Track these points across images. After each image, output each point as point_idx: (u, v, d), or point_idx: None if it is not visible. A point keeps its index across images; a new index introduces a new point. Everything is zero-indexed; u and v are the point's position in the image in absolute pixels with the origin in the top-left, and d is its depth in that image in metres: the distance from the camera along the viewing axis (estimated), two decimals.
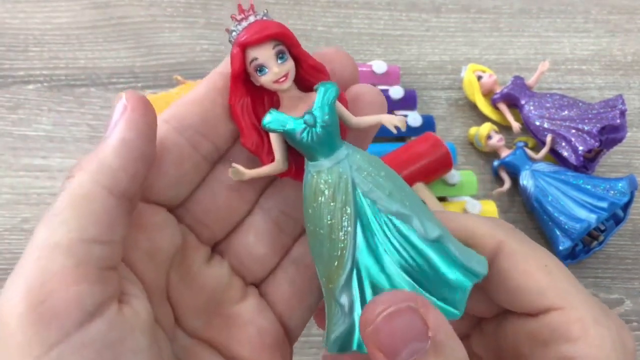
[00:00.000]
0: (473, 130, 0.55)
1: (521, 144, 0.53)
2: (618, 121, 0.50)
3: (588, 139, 0.50)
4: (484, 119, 0.57)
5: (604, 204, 0.47)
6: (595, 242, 0.50)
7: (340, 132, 0.24)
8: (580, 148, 0.50)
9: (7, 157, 0.52)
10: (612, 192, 0.48)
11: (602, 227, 0.50)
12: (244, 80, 0.25)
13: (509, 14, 0.65)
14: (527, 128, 0.55)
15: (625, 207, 0.49)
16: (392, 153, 0.48)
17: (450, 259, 0.23)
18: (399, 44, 0.62)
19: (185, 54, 0.59)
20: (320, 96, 0.24)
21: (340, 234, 0.23)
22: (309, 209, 0.23)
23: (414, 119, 0.53)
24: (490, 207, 0.49)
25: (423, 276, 0.23)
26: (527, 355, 0.24)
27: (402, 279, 0.23)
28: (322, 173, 0.23)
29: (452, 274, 0.22)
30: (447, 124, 0.57)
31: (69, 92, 0.56)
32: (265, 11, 0.25)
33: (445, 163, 0.48)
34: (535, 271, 0.24)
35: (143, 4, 0.62)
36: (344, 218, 0.23)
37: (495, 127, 0.55)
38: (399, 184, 0.24)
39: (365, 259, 0.23)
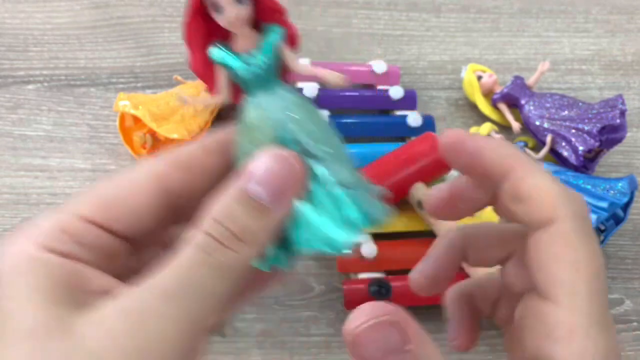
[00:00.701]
0: (473, 130, 0.56)
1: (521, 144, 0.53)
2: (618, 121, 0.50)
3: (588, 139, 0.50)
4: (484, 119, 0.57)
5: (604, 204, 0.47)
6: None
7: (284, 73, 0.26)
8: (581, 148, 0.50)
9: (7, 157, 0.52)
10: (612, 192, 0.48)
11: (602, 227, 0.50)
12: (202, 12, 0.25)
13: (509, 14, 0.65)
14: (527, 128, 0.55)
15: (625, 207, 0.49)
16: (392, 153, 0.48)
17: (355, 203, 0.24)
18: (399, 44, 0.62)
19: (184, 54, 0.59)
20: (265, 39, 0.25)
21: None
22: (242, 139, 0.25)
23: (414, 119, 0.53)
24: (489, 207, 0.49)
25: (327, 212, 0.24)
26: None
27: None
28: (256, 109, 0.25)
29: (353, 214, 0.24)
30: (447, 124, 0.58)
31: (68, 92, 0.56)
32: None
33: (445, 163, 0.48)
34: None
35: (143, 4, 0.62)
36: None
37: (495, 127, 0.55)
38: (324, 129, 0.25)
39: None
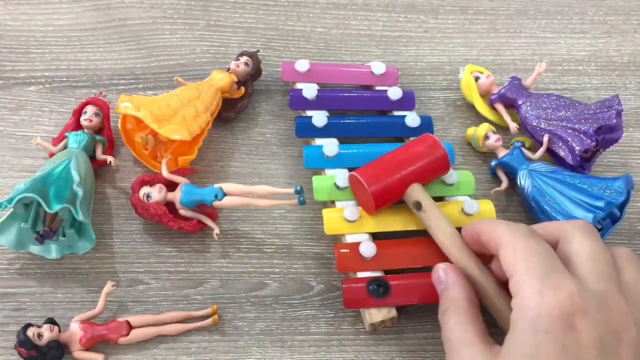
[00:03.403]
0: (471, 130, 0.56)
1: (518, 144, 0.54)
2: (614, 121, 0.50)
3: (584, 139, 0.51)
4: (482, 119, 0.57)
5: (601, 204, 0.48)
6: None
7: None
8: (577, 148, 0.51)
9: (9, 158, 0.53)
10: (609, 191, 0.48)
11: (599, 227, 0.51)
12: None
13: (506, 15, 0.66)
14: (524, 128, 0.55)
15: (622, 206, 0.50)
16: (390, 153, 0.48)
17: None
18: (397, 45, 0.63)
19: (185, 56, 0.60)
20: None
21: None
22: None
23: (412, 119, 0.54)
24: (487, 207, 0.50)
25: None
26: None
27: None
28: None
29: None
30: (445, 124, 0.58)
31: (70, 93, 0.57)
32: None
33: (442, 165, 0.48)
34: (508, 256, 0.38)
35: (144, 5, 0.63)
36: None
37: (492, 128, 0.55)
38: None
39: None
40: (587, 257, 0.37)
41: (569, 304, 0.34)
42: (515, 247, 0.38)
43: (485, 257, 0.43)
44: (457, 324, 0.39)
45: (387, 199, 0.47)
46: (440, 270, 0.43)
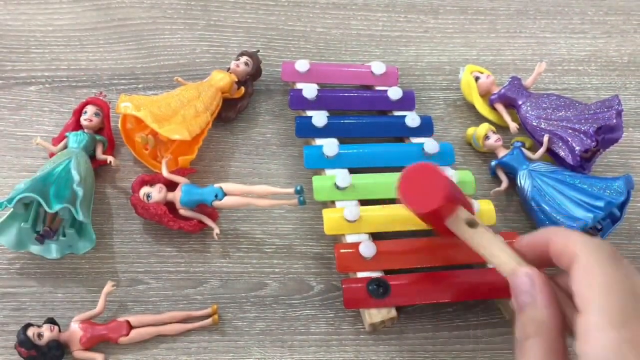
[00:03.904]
0: (471, 130, 0.56)
1: (518, 144, 0.54)
2: (614, 121, 0.50)
3: (584, 139, 0.51)
4: (482, 119, 0.57)
5: (601, 203, 0.48)
6: None
7: None
8: (577, 148, 0.51)
9: (9, 157, 0.53)
10: (609, 191, 0.48)
11: (599, 226, 0.51)
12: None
13: (506, 15, 0.66)
14: (524, 128, 0.55)
15: (622, 206, 0.50)
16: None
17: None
18: (397, 45, 0.63)
19: (185, 56, 0.60)
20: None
21: None
22: None
23: (412, 119, 0.54)
24: (487, 207, 0.50)
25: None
26: None
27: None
28: None
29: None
30: (445, 124, 0.58)
31: (70, 93, 0.57)
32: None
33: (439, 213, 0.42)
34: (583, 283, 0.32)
35: (144, 6, 0.63)
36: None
37: (492, 128, 0.55)
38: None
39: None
40: (617, 293, 0.31)
41: None
42: (593, 279, 0.31)
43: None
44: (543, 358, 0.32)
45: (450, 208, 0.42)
46: (526, 278, 0.34)
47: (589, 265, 0.32)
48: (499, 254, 0.37)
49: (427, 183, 0.40)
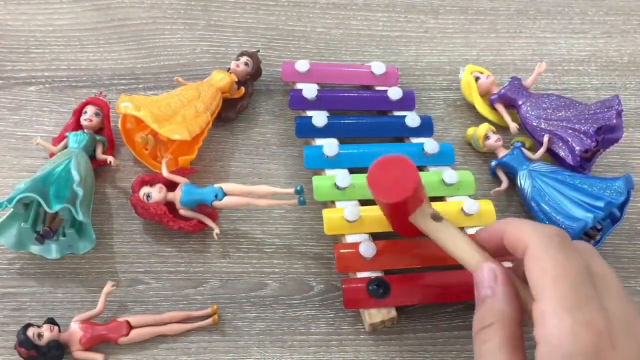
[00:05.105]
0: (471, 130, 0.56)
1: (518, 144, 0.54)
2: (614, 121, 0.50)
3: (585, 139, 0.51)
4: (482, 119, 0.57)
5: (601, 204, 0.48)
6: (592, 242, 0.50)
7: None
8: (577, 148, 0.51)
9: (9, 158, 0.53)
10: (609, 191, 0.48)
11: (599, 227, 0.51)
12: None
13: (506, 15, 0.66)
14: (525, 128, 0.55)
15: (622, 206, 0.50)
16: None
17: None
18: (397, 45, 0.63)
19: (185, 56, 0.60)
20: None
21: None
22: None
23: (412, 119, 0.54)
24: (487, 207, 0.50)
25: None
26: None
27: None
28: None
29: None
30: (445, 124, 0.58)
31: (70, 93, 0.57)
32: None
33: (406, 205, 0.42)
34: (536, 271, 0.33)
35: (144, 6, 0.63)
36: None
37: (492, 128, 0.55)
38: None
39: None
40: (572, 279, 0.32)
41: (600, 341, 0.30)
42: (544, 267, 0.33)
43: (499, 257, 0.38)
44: (499, 349, 0.33)
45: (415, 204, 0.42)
46: (490, 272, 0.36)
47: (539, 254, 0.33)
48: (463, 248, 0.38)
49: (398, 174, 0.40)
